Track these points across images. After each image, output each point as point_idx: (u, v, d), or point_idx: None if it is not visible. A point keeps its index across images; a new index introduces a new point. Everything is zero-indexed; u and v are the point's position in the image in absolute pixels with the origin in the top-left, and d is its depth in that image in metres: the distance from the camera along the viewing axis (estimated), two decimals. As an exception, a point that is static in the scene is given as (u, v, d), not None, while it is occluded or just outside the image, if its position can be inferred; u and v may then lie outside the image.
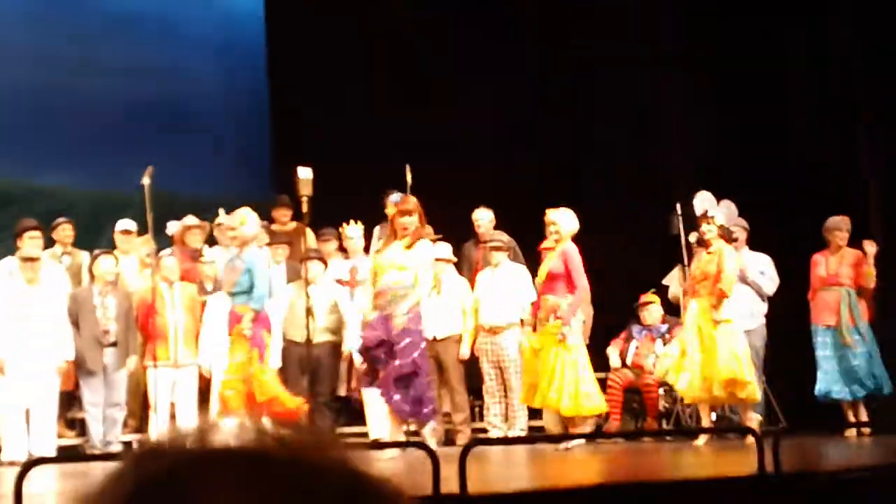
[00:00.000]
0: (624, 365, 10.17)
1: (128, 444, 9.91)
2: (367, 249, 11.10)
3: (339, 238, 10.78)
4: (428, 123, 12.09)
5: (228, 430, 0.80)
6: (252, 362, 8.48)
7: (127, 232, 10.48)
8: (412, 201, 8.71)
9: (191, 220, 10.73)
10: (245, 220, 8.74)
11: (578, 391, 8.43)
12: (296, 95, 12.95)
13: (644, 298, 10.29)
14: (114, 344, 9.56)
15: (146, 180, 9.48)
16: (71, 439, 9.88)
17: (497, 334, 9.84)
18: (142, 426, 9.99)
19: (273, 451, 0.77)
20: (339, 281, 10.41)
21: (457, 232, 10.46)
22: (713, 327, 8.62)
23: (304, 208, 8.25)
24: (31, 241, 9.50)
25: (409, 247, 8.46)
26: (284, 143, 12.78)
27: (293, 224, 10.78)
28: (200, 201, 11.19)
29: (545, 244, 8.95)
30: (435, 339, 9.66)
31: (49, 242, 10.10)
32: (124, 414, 9.76)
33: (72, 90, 12.58)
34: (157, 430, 9.70)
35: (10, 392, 8.94)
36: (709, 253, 8.83)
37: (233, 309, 8.70)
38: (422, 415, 8.41)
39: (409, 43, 12.91)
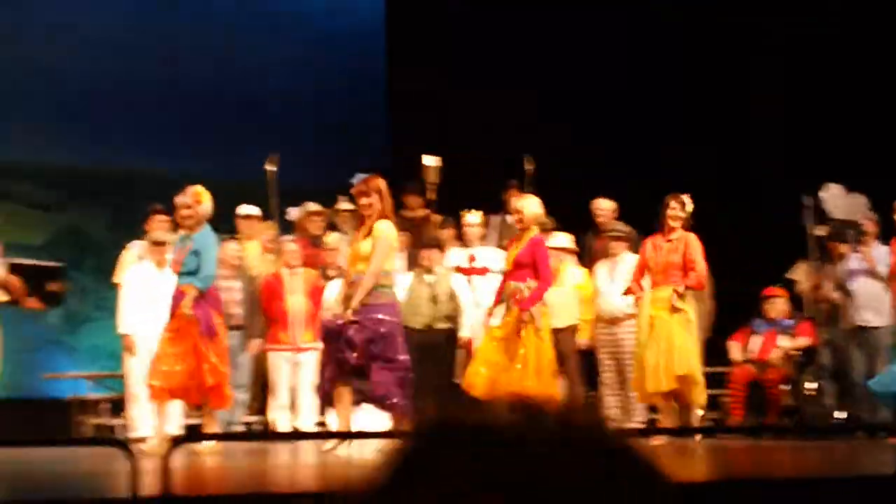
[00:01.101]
0: (747, 360, 10.02)
1: (248, 426, 10.11)
2: (485, 238, 11.14)
3: (458, 226, 10.82)
4: (550, 111, 12.04)
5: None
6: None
7: (250, 217, 10.64)
8: (371, 182, 7.90)
9: (312, 206, 10.86)
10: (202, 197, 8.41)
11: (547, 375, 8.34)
12: (415, 82, 12.99)
13: (769, 292, 10.13)
14: (238, 327, 9.74)
15: (270, 167, 9.63)
16: (196, 419, 10.08)
17: (615, 325, 9.78)
18: (262, 409, 10.16)
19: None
20: (456, 269, 10.45)
21: (578, 222, 10.41)
22: (671, 317, 8.43)
23: (431, 196, 8.22)
24: (159, 226, 9.75)
25: (367, 234, 7.82)
26: (403, 131, 12.85)
27: (422, 211, 10.84)
28: (321, 189, 11.29)
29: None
30: (555, 330, 9.64)
31: (176, 227, 10.32)
32: (248, 397, 9.95)
33: (196, 80, 12.84)
34: (277, 413, 9.88)
35: (141, 372, 9.16)
36: (668, 241, 8.59)
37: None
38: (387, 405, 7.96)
39: (529, 24, 12.84)
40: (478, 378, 8.42)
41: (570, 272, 9.95)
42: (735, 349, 10.06)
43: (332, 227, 11.05)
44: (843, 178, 8.90)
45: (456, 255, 10.60)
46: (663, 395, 8.54)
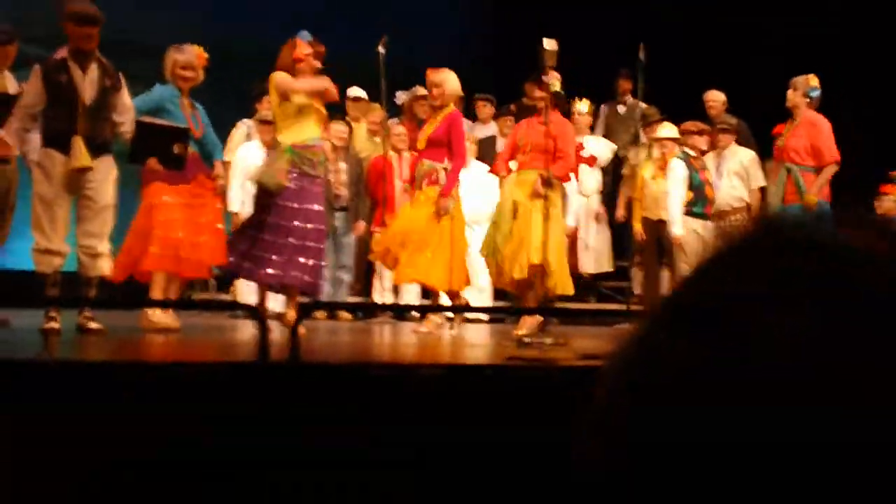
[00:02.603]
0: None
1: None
2: (592, 128, 11.05)
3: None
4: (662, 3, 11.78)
5: None
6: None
7: (358, 99, 10.67)
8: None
9: (420, 90, 10.83)
10: None
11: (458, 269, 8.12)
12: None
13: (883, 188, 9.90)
14: (344, 208, 9.86)
15: (381, 49, 9.61)
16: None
17: (722, 219, 9.66)
18: (366, 290, 10.31)
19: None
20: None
21: (689, 114, 10.24)
22: (533, 206, 8.16)
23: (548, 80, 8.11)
24: (268, 104, 9.81)
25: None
26: (510, 21, 12.69)
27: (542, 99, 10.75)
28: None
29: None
30: (658, 221, 9.58)
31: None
32: (351, 277, 10.10)
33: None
34: (380, 294, 10.03)
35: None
36: (541, 123, 8.17)
37: None
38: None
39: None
40: (388, 256, 8.28)
41: (677, 164, 9.81)
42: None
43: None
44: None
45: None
46: (516, 283, 8.40)
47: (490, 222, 8.68)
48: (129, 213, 7.60)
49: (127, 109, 7.09)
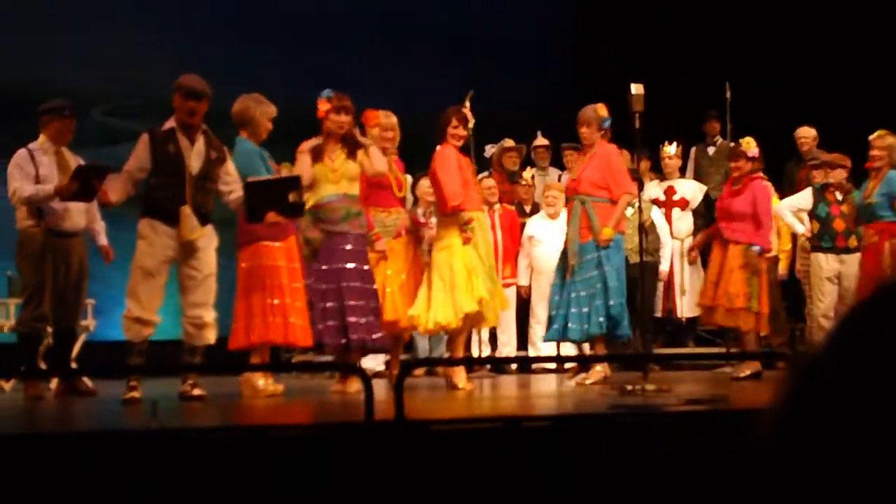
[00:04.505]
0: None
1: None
2: (682, 170, 10.98)
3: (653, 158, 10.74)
4: (750, 40, 11.71)
5: None
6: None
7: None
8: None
9: (508, 142, 10.89)
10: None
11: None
12: (603, 15, 12.82)
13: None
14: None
15: (466, 104, 9.67)
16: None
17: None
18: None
19: None
20: (654, 201, 10.35)
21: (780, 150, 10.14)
22: None
23: (637, 124, 8.07)
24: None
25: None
26: (592, 63, 12.72)
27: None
28: (516, 124, 11.28)
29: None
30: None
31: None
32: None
33: (386, 17, 13.00)
34: (478, 347, 10.03)
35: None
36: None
37: None
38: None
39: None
40: None
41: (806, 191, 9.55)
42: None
43: (527, 162, 11.10)
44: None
45: (653, 187, 10.49)
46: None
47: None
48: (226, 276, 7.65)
49: (234, 179, 7.12)
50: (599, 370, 7.87)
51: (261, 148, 7.55)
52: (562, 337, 8.06)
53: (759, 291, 8.37)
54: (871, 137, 8.65)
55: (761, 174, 8.61)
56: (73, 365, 8.54)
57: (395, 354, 8.21)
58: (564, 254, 8.06)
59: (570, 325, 7.90)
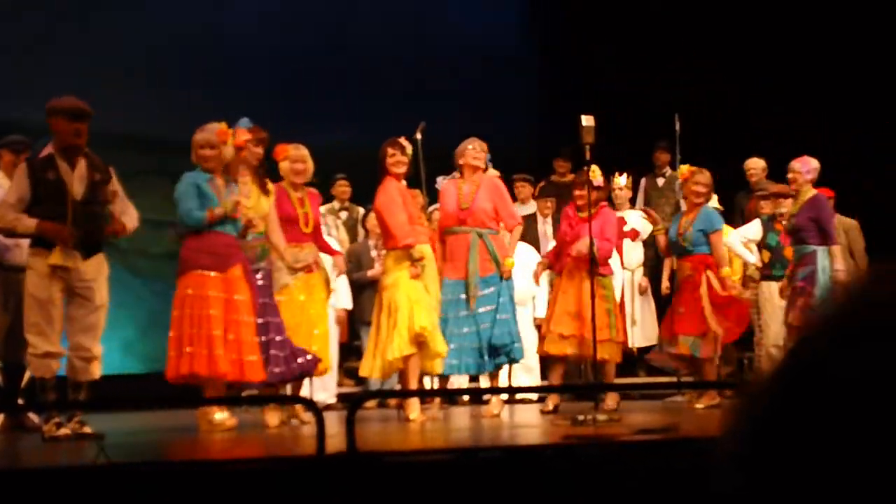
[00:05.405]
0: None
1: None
2: (633, 201, 11.05)
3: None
4: (699, 74, 11.83)
5: None
6: None
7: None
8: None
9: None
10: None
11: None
12: (561, 44, 12.92)
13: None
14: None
15: (418, 136, 9.69)
16: (350, 388, 10.28)
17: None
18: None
19: None
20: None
21: (728, 182, 10.24)
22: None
23: (587, 156, 8.12)
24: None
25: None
26: (551, 93, 12.81)
27: (570, 176, 10.82)
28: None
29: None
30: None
31: (327, 198, 10.49)
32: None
33: (345, 50, 13.02)
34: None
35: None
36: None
37: None
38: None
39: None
40: None
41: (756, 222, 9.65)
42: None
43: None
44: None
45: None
46: None
47: None
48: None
49: (122, 199, 6.89)
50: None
51: (210, 175, 7.25)
52: (458, 371, 8.20)
53: (616, 321, 8.48)
54: (691, 171, 8.73)
55: (606, 202, 8.82)
56: (20, 400, 8.39)
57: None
58: (459, 286, 8.08)
59: (466, 358, 8.00)
